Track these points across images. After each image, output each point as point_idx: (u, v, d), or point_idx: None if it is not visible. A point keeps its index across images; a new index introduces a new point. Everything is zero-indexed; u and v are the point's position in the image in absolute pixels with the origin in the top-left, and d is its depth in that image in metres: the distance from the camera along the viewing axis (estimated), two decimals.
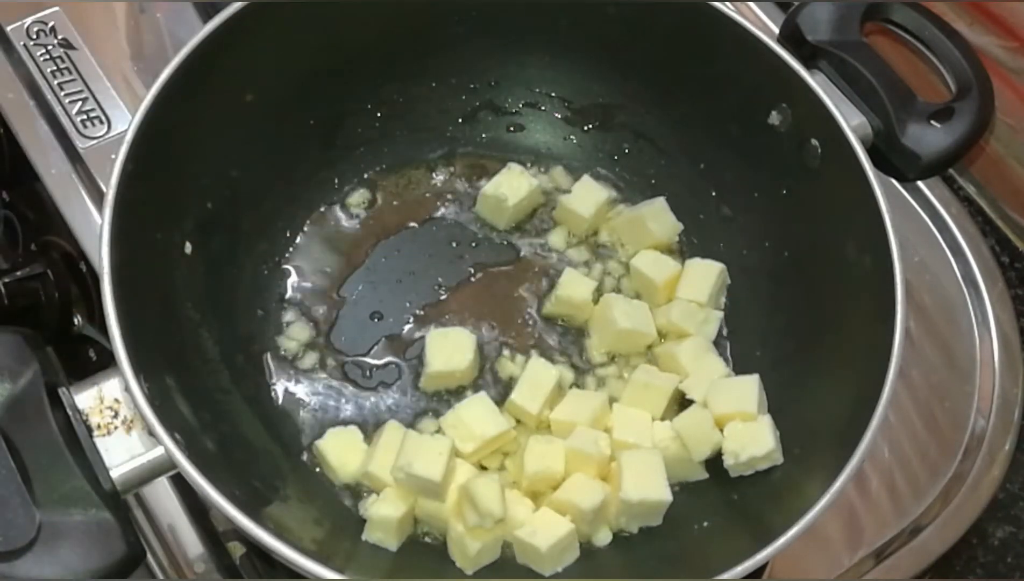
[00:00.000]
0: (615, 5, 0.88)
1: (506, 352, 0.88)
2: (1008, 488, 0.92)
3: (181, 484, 0.84)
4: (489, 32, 0.91)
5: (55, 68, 0.97)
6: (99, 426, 0.68)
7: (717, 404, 0.80)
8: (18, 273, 0.96)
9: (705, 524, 0.78)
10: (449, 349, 0.84)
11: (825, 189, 0.83)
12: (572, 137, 0.97)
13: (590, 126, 0.96)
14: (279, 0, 0.82)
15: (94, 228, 0.89)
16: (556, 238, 0.93)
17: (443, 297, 0.90)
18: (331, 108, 0.91)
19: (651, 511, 0.78)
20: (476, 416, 0.79)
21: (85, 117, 0.95)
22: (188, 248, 0.82)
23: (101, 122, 0.95)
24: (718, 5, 0.84)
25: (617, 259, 0.92)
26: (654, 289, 0.89)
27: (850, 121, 0.81)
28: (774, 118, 0.86)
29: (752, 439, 0.77)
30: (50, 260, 0.97)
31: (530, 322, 0.89)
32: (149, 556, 0.82)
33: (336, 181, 0.94)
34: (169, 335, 0.77)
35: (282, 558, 0.66)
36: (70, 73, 0.97)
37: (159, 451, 0.68)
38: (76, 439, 0.67)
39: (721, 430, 0.79)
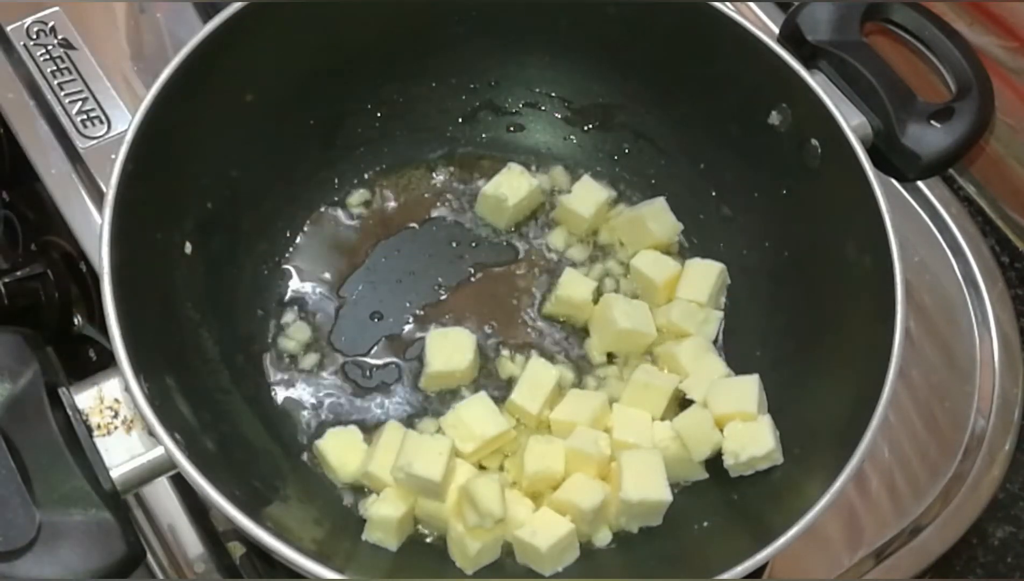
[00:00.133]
0: (615, 5, 0.88)
1: (506, 352, 0.88)
2: (1008, 488, 0.92)
3: (181, 484, 0.84)
4: (489, 32, 0.91)
5: (55, 68, 0.97)
6: (99, 426, 0.68)
7: (717, 404, 0.80)
8: (18, 273, 0.96)
9: (705, 524, 0.78)
10: (449, 349, 0.84)
11: (825, 189, 0.83)
12: (572, 137, 0.97)
13: (590, 126, 0.96)
14: (279, 0, 0.82)
15: (94, 228, 0.89)
16: (556, 238, 0.93)
17: (443, 297, 0.90)
18: (331, 108, 0.91)
19: (651, 511, 0.78)
20: (476, 416, 0.80)
21: (85, 117, 0.95)
22: (188, 248, 0.82)
23: (101, 122, 0.95)
24: (718, 5, 0.84)
25: (617, 259, 0.92)
26: (654, 289, 0.89)
27: (850, 121, 0.81)
28: (774, 118, 0.86)
29: (752, 439, 0.77)
30: (50, 260, 0.97)
31: (530, 322, 0.89)
32: (149, 556, 0.82)
33: (336, 181, 0.94)
34: (169, 335, 0.77)
35: (282, 558, 0.66)
36: (70, 73, 0.97)
37: (159, 451, 0.68)
38: (76, 439, 0.67)
39: (721, 430, 0.79)
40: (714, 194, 0.92)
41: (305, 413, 0.85)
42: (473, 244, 0.93)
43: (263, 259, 0.89)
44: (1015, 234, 1.01)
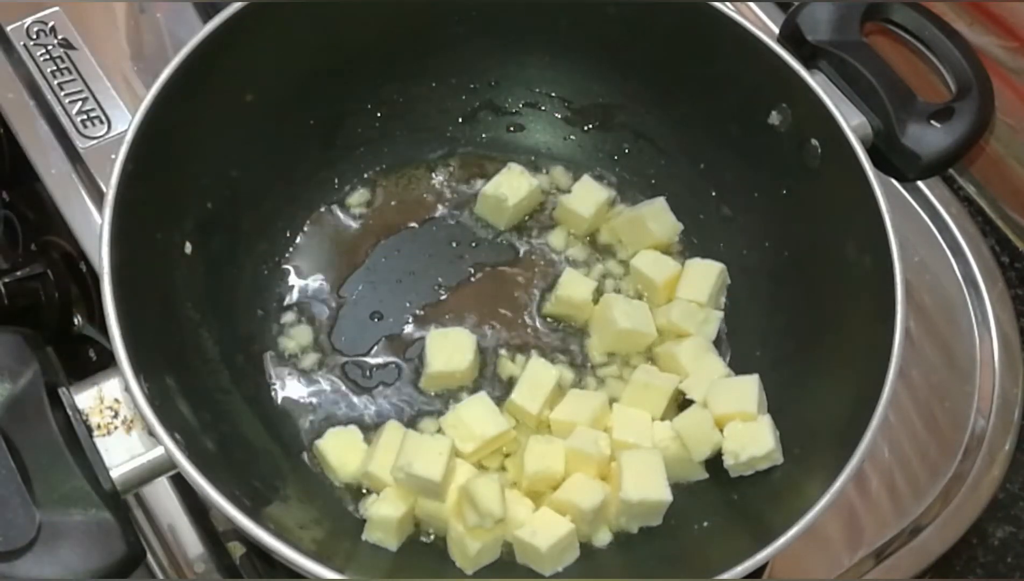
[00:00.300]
0: (615, 5, 0.88)
1: (506, 352, 0.88)
2: (1008, 488, 0.92)
3: (181, 484, 0.84)
4: (489, 32, 0.91)
5: (55, 68, 0.97)
6: (99, 426, 0.68)
7: (717, 404, 0.80)
8: (18, 273, 0.96)
9: (705, 524, 0.78)
10: (449, 349, 0.84)
11: (825, 189, 0.83)
12: (572, 137, 0.97)
13: (590, 126, 0.96)
14: (279, 0, 0.82)
15: (94, 228, 0.89)
16: (556, 238, 0.93)
17: (443, 297, 0.90)
18: (331, 108, 0.91)
19: (651, 511, 0.78)
20: (476, 416, 0.80)
21: (85, 117, 0.95)
22: (188, 248, 0.82)
23: (101, 122, 0.95)
24: (718, 5, 0.84)
25: (617, 259, 0.92)
26: (654, 289, 0.89)
27: (850, 121, 0.81)
28: (774, 118, 0.86)
29: (752, 439, 0.77)
30: (50, 260, 0.97)
31: (530, 322, 0.89)
32: (149, 556, 0.82)
33: (336, 181, 0.94)
34: (169, 335, 0.77)
35: (282, 558, 0.66)
36: (70, 73, 0.97)
37: (159, 451, 0.68)
38: (76, 439, 0.67)
39: (721, 430, 0.79)
40: (714, 194, 0.92)
41: (305, 413, 0.85)
42: (473, 244, 0.93)
43: (263, 259, 0.89)
44: (1015, 234, 1.01)
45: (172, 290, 0.80)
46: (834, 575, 0.86)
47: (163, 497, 0.84)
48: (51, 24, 0.99)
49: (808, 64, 0.84)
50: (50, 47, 0.98)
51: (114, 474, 0.67)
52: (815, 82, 0.82)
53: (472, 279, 0.91)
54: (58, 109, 0.95)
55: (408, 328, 0.88)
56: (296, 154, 0.91)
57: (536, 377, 0.83)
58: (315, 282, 0.90)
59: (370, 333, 0.88)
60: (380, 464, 0.78)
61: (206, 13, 1.00)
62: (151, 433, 0.67)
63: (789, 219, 0.87)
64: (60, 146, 0.94)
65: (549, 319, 0.90)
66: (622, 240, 0.93)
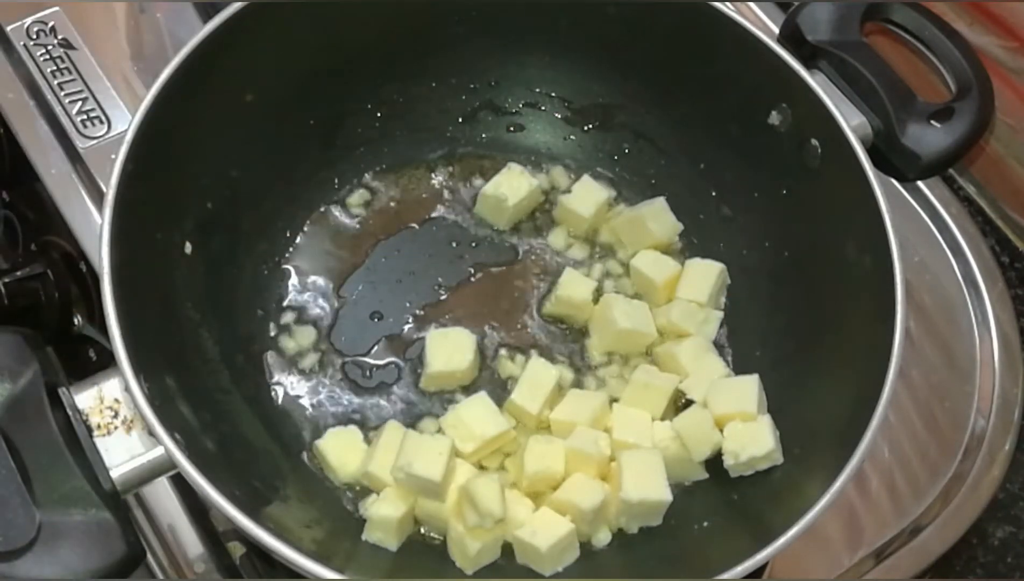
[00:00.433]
0: (615, 5, 0.88)
1: (506, 352, 0.88)
2: (1008, 488, 0.92)
3: (181, 484, 0.84)
4: (489, 32, 0.91)
5: (55, 68, 0.97)
6: (99, 426, 0.68)
7: (717, 404, 0.80)
8: (18, 273, 0.96)
9: (705, 524, 0.78)
10: (449, 349, 0.84)
11: (825, 189, 0.83)
12: (572, 137, 0.97)
13: (590, 126, 0.96)
14: (279, 0, 0.82)
15: (94, 228, 0.89)
16: (556, 238, 0.93)
17: (443, 297, 0.90)
18: (331, 108, 0.91)
19: (651, 511, 0.78)
20: (476, 416, 0.80)
21: (85, 117, 0.95)
22: (188, 248, 0.82)
23: (101, 122, 0.95)
24: (718, 5, 0.84)
25: (617, 259, 0.92)
26: (654, 289, 0.89)
27: (850, 121, 0.81)
28: (774, 118, 0.86)
29: (752, 439, 0.77)
30: (50, 260, 0.97)
31: (530, 322, 0.89)
32: (149, 556, 0.82)
33: (336, 181, 0.94)
34: (169, 335, 0.77)
35: (282, 558, 0.66)
36: (70, 73, 0.97)
37: (159, 451, 0.68)
38: (76, 439, 0.67)
39: (721, 430, 0.79)
40: (714, 194, 0.92)
41: (305, 413, 0.85)
42: (473, 244, 0.93)
43: (263, 259, 0.89)
44: (1015, 234, 1.01)
45: (172, 290, 0.80)
46: (834, 575, 0.86)
47: (163, 497, 0.84)
48: (51, 24, 0.99)
49: (808, 64, 0.84)
50: (50, 47, 0.98)
51: (114, 474, 0.67)
52: (815, 82, 0.82)
53: (472, 279, 0.91)
54: (58, 109, 0.95)
55: (408, 328, 0.88)
56: (296, 154, 0.91)
57: (536, 377, 0.83)
58: (315, 282, 0.90)
59: (370, 333, 0.88)
60: (380, 464, 0.78)
61: (206, 13, 1.00)
62: (151, 433, 0.67)
63: (789, 219, 0.87)
64: (60, 146, 0.94)
65: (549, 319, 0.90)
66: (622, 240, 0.93)
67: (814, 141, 0.83)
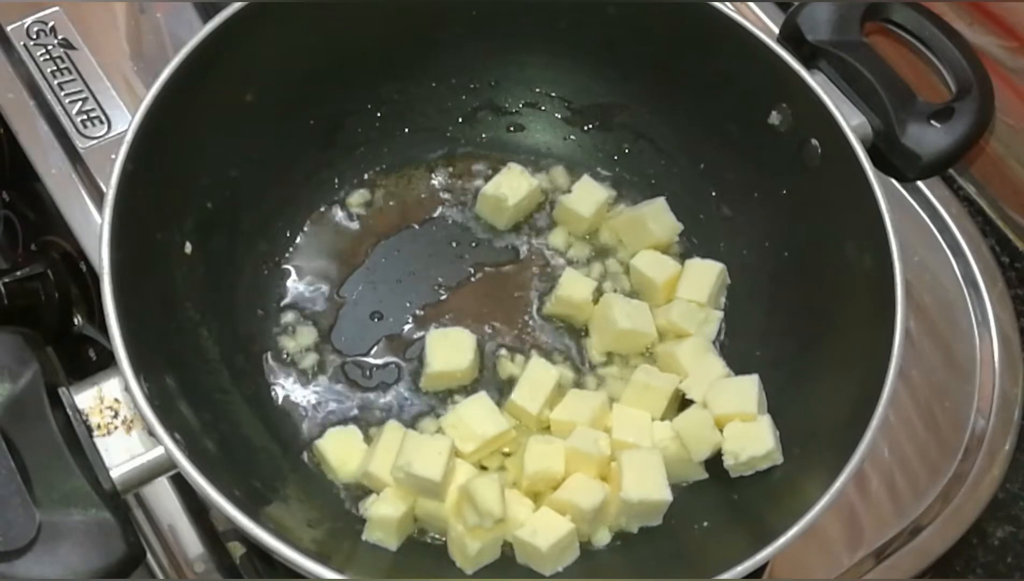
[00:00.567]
0: (615, 5, 0.88)
1: (506, 352, 0.88)
2: (1008, 488, 0.92)
3: (181, 484, 0.84)
4: (489, 32, 0.91)
5: (55, 68, 0.97)
6: (99, 426, 0.68)
7: (717, 404, 0.80)
8: (18, 273, 0.96)
9: (705, 524, 0.78)
10: (449, 349, 0.84)
11: (825, 189, 0.83)
12: (572, 137, 0.97)
13: (590, 126, 0.96)
14: (279, 0, 0.82)
15: (94, 228, 0.89)
16: (556, 238, 0.93)
17: (443, 297, 0.90)
18: (331, 108, 0.91)
19: (651, 511, 0.78)
20: (476, 416, 0.80)
21: (85, 117, 0.95)
22: (188, 248, 0.82)
23: (101, 122, 0.95)
24: (718, 5, 0.84)
25: (617, 259, 0.92)
26: (654, 289, 0.89)
27: (850, 121, 0.81)
28: (774, 118, 0.86)
29: (752, 439, 0.77)
30: (50, 260, 0.97)
31: (530, 322, 0.89)
32: (149, 556, 0.82)
33: (336, 181, 0.94)
34: (169, 335, 0.77)
35: (282, 558, 0.66)
36: (70, 73, 0.97)
37: (159, 451, 0.68)
38: (76, 439, 0.67)
39: (721, 430, 0.79)
40: (714, 194, 0.92)
41: (305, 413, 0.85)
42: (473, 244, 0.93)
43: (263, 259, 0.89)
44: (1015, 234, 1.01)
45: (172, 290, 0.80)
46: (834, 575, 0.86)
47: (163, 497, 0.84)
48: (51, 24, 0.99)
49: (808, 64, 0.84)
50: (50, 47, 0.98)
51: (114, 474, 0.67)
52: (815, 82, 0.82)
53: (472, 279, 0.91)
54: (58, 109, 0.95)
55: (408, 328, 0.88)
56: (296, 154, 0.91)
57: (536, 377, 0.83)
58: (315, 282, 0.90)
59: (370, 333, 0.88)
60: (380, 464, 0.78)
61: (206, 13, 1.00)
62: (151, 433, 0.67)
63: (789, 219, 0.87)
64: (60, 146, 0.94)
65: (549, 319, 0.90)
66: (622, 240, 0.93)
67: (814, 141, 0.83)
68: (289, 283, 0.90)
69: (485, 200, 0.92)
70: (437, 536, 0.79)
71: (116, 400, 0.69)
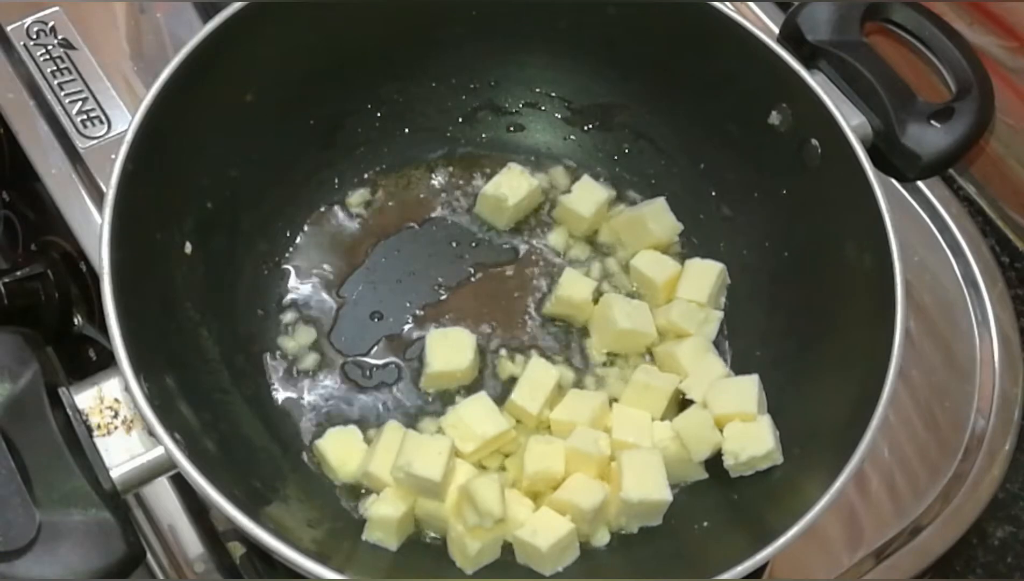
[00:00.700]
0: (615, 5, 0.88)
1: (506, 352, 0.88)
2: (1008, 488, 0.92)
3: (181, 484, 0.84)
4: (489, 32, 0.91)
5: (55, 68, 0.97)
6: (99, 426, 0.68)
7: (717, 404, 0.80)
8: (18, 273, 0.96)
9: (705, 524, 0.78)
10: (449, 349, 0.84)
11: (825, 189, 0.83)
12: (572, 137, 0.97)
13: (590, 126, 0.96)
14: (279, 0, 0.82)
15: (94, 228, 0.89)
16: (556, 238, 0.93)
17: (443, 297, 0.90)
18: (331, 108, 0.91)
19: (651, 511, 0.78)
20: (476, 416, 0.80)
21: (85, 117, 0.95)
22: (188, 248, 0.82)
23: (101, 122, 0.95)
24: (718, 5, 0.84)
25: (617, 259, 0.92)
26: (654, 289, 0.89)
27: (850, 121, 0.81)
28: (774, 118, 0.86)
29: (752, 439, 0.77)
30: (50, 260, 0.97)
31: (530, 322, 0.89)
32: (149, 556, 0.82)
33: (336, 181, 0.94)
34: (169, 335, 0.77)
35: (282, 558, 0.66)
36: (70, 73, 0.97)
37: (159, 451, 0.68)
38: (76, 439, 0.67)
39: (721, 430, 0.79)
40: (714, 194, 0.92)
41: (305, 413, 0.85)
42: (473, 244, 0.93)
43: (263, 259, 0.89)
44: (1015, 234, 1.01)
45: (172, 290, 0.80)
46: (834, 575, 0.86)
47: (163, 497, 0.84)
48: (51, 24, 0.99)
49: (808, 64, 0.84)
50: (50, 47, 0.98)
51: (114, 474, 0.67)
52: (815, 82, 0.82)
53: (472, 279, 0.91)
54: (58, 109, 0.95)
55: (408, 328, 0.88)
56: (296, 154, 0.91)
57: (536, 377, 0.83)
58: (315, 282, 0.90)
59: (370, 333, 0.88)
60: (380, 464, 0.78)
61: (206, 13, 1.00)
62: (151, 433, 0.67)
63: (789, 219, 0.87)
64: (60, 146, 0.94)
65: (549, 319, 0.90)
66: (622, 240, 0.93)
67: (814, 141, 0.83)
68: (289, 283, 0.90)
69: (485, 200, 0.92)
70: (437, 536, 0.79)
71: (116, 400, 0.69)
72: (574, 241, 0.93)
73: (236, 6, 0.80)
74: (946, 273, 0.99)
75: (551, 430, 0.82)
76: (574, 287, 0.88)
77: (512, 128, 0.97)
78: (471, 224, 0.94)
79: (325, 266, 0.90)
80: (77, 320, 0.97)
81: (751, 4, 1.07)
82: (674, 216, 0.91)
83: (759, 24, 0.97)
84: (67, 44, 0.98)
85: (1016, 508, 0.93)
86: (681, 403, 0.84)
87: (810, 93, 0.82)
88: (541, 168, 0.96)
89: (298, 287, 0.89)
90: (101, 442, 0.68)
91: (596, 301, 0.88)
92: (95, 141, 0.94)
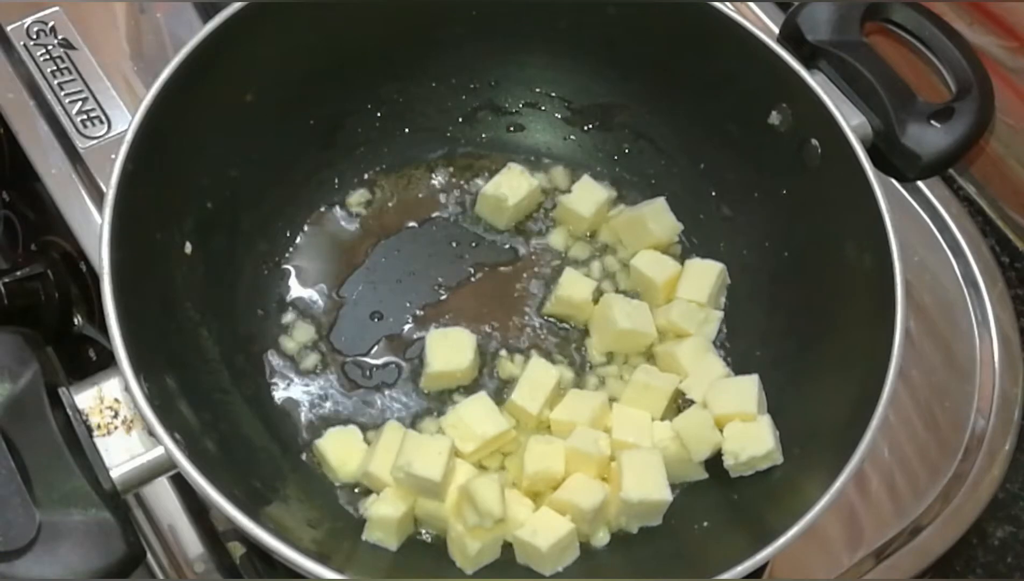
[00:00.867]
0: (615, 5, 0.88)
1: (506, 352, 0.88)
2: (1008, 488, 0.92)
3: (181, 484, 0.84)
4: (489, 32, 0.91)
5: (55, 68, 0.97)
6: (99, 426, 0.68)
7: (717, 404, 0.80)
8: (18, 273, 0.96)
9: (705, 524, 0.78)
10: (449, 349, 0.84)
11: (825, 189, 0.83)
12: (572, 137, 0.97)
13: (590, 126, 0.96)
14: (279, 0, 0.82)
15: (94, 228, 0.89)
16: (556, 238, 0.93)
17: (443, 297, 0.90)
18: (331, 108, 0.91)
19: (651, 511, 0.78)
20: (476, 416, 0.80)
21: (85, 117, 0.95)
22: (188, 248, 0.82)
23: (101, 122, 0.95)
24: (718, 5, 0.84)
25: (617, 259, 0.92)
26: (654, 289, 0.89)
27: (850, 121, 0.81)
28: (774, 118, 0.86)
29: (752, 439, 0.77)
30: (50, 260, 0.97)
31: (530, 322, 0.89)
32: (149, 556, 0.82)
33: (336, 181, 0.94)
34: (169, 335, 0.77)
35: (282, 558, 0.66)
36: (70, 73, 0.97)
37: (159, 451, 0.68)
38: (76, 439, 0.67)
39: (721, 430, 0.79)
40: (714, 194, 0.92)
41: (305, 413, 0.85)
42: (473, 244, 0.93)
43: (263, 259, 0.89)
44: (1015, 234, 1.01)
45: (172, 290, 0.80)
46: (834, 575, 0.86)
47: (163, 497, 0.84)
48: (51, 24, 0.99)
49: (808, 64, 0.84)
50: (50, 47, 0.98)
51: (114, 474, 0.67)
52: (815, 82, 0.82)
53: (472, 279, 0.91)
54: (58, 109, 0.95)
55: (408, 328, 0.88)
56: (296, 154, 0.91)
57: (536, 377, 0.83)
58: (315, 282, 0.90)
59: (370, 333, 0.88)
60: (380, 464, 0.78)
61: (206, 13, 1.00)
62: (151, 433, 0.67)
63: (789, 219, 0.87)
64: (60, 146, 0.94)
65: (549, 319, 0.90)
66: (622, 240, 0.93)
67: (814, 141, 0.83)
68: (289, 283, 0.90)
69: (485, 200, 0.92)
70: (437, 536, 0.79)
71: (116, 400, 0.69)
72: (574, 241, 0.93)
73: (236, 6, 0.80)
74: (946, 273, 0.99)
75: (551, 430, 0.82)
76: (574, 287, 0.88)
77: (512, 128, 0.97)
78: (471, 224, 0.94)
79: (325, 266, 0.90)
80: (77, 320, 0.97)
81: (751, 4, 1.07)
82: (674, 216, 0.91)
83: (759, 24, 0.97)
84: (67, 44, 0.98)
85: (1016, 508, 0.93)
86: (681, 403, 0.83)
87: (810, 93, 0.82)
88: (541, 168, 0.96)
89: (298, 287, 0.89)
90: (101, 442, 0.68)
91: (596, 301, 0.88)
92: (95, 141, 0.94)
